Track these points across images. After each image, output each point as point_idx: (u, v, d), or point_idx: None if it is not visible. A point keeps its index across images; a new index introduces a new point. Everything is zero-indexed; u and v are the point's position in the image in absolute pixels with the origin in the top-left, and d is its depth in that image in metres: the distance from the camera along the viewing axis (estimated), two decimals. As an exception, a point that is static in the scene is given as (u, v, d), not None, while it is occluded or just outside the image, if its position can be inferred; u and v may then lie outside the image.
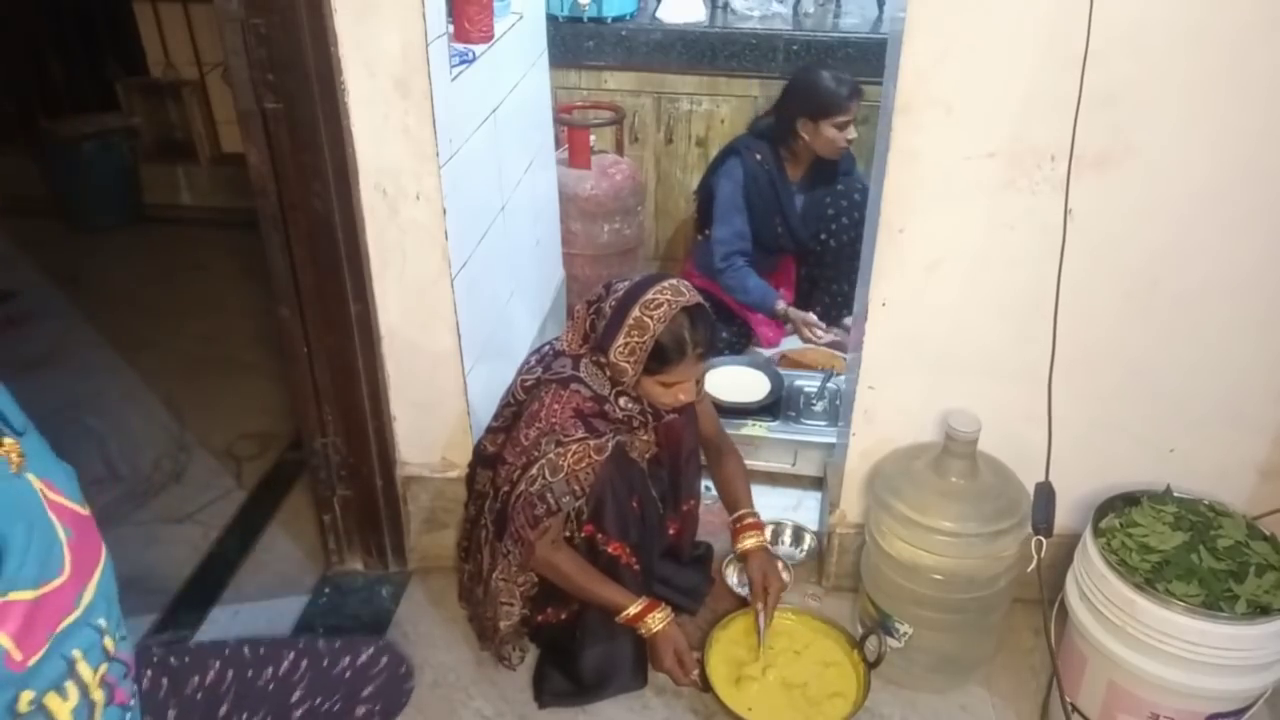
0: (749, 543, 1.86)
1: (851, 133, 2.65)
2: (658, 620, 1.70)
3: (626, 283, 1.65)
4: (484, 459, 1.82)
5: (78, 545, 0.91)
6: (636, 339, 1.59)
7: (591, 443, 1.62)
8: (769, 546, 1.93)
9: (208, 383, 2.81)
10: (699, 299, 1.64)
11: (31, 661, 0.84)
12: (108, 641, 0.95)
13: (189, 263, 3.48)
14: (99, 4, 3.84)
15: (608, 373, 1.65)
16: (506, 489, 1.67)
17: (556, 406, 1.63)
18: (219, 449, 2.53)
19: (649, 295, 1.60)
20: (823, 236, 2.82)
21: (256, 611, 2.02)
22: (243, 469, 2.46)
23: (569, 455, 1.61)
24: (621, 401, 1.67)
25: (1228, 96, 1.46)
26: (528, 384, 1.71)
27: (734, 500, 1.93)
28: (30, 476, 0.90)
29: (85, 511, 0.95)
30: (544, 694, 1.79)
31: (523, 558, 1.67)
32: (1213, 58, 1.43)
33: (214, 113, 3.93)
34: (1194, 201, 1.55)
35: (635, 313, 1.59)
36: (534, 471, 1.62)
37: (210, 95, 3.90)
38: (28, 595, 0.84)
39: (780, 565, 1.94)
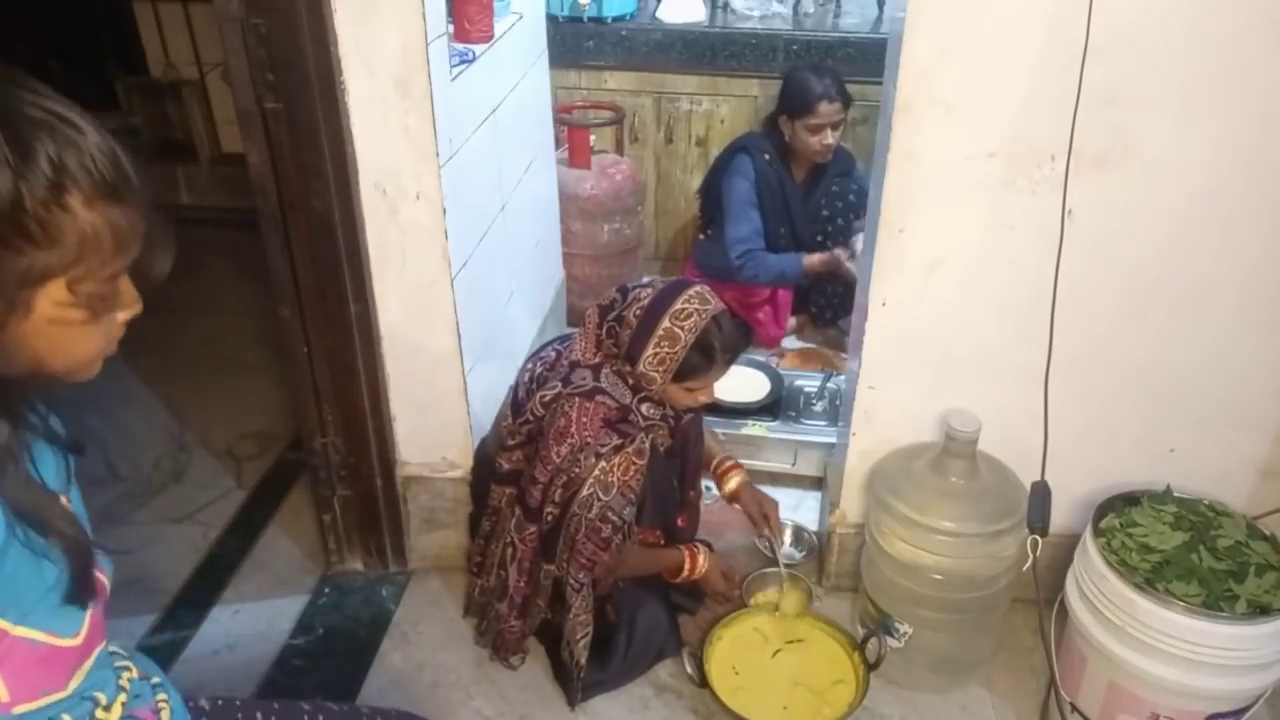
0: (734, 482, 1.95)
1: (828, 138, 2.63)
2: (703, 558, 1.85)
3: (649, 290, 1.64)
4: (500, 475, 1.80)
5: (97, 621, 0.89)
6: (667, 349, 1.59)
7: (630, 449, 1.63)
8: (751, 481, 1.97)
9: (208, 383, 2.81)
10: (723, 305, 1.65)
11: (17, 709, 0.81)
12: (102, 713, 0.93)
13: (189, 263, 3.46)
14: (99, 4, 3.84)
15: (630, 381, 1.66)
16: (553, 510, 1.66)
17: (585, 419, 1.63)
18: (219, 449, 2.53)
19: (677, 305, 1.60)
20: (819, 238, 2.82)
21: (256, 611, 2.02)
22: (243, 469, 2.46)
23: (616, 469, 1.62)
24: (644, 408, 1.68)
25: (1227, 96, 1.46)
26: (546, 399, 1.69)
27: (708, 451, 1.96)
28: None
29: (108, 587, 0.95)
30: (584, 688, 1.77)
31: (598, 577, 1.71)
32: (1212, 57, 1.43)
33: (214, 113, 3.93)
34: (1193, 201, 1.55)
35: (665, 323, 1.59)
36: (585, 493, 1.61)
37: (210, 95, 3.90)
38: (31, 634, 0.81)
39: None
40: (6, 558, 0.78)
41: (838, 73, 2.66)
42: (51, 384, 0.82)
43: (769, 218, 2.77)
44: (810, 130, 2.63)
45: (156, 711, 1.02)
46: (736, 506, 1.97)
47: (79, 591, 0.84)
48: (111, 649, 1.00)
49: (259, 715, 1.16)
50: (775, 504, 1.96)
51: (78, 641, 0.86)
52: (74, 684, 0.87)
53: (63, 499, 0.87)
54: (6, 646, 0.79)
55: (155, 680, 1.06)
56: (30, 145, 0.70)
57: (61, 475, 0.91)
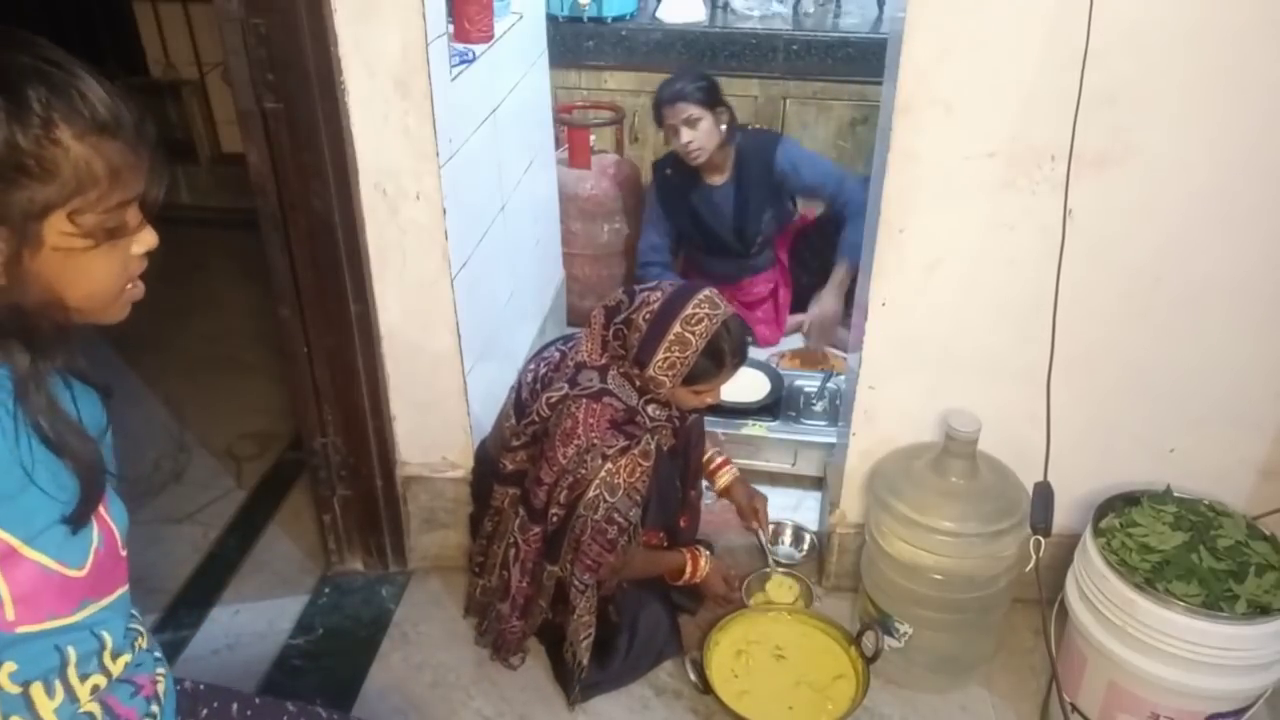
0: (726, 478, 2.00)
1: (683, 137, 2.58)
2: (705, 562, 1.86)
3: (658, 293, 1.64)
4: (503, 476, 1.80)
5: (103, 559, 0.91)
6: (678, 354, 1.60)
7: (636, 450, 1.63)
8: (743, 477, 2.04)
9: (208, 383, 2.81)
10: (732, 309, 1.66)
11: (20, 629, 0.84)
12: (109, 660, 0.95)
13: (189, 263, 3.48)
14: (99, 4, 3.84)
15: (637, 384, 1.66)
16: (558, 512, 1.66)
17: (592, 421, 1.63)
18: (219, 449, 2.53)
19: (688, 310, 1.60)
20: (759, 240, 2.81)
21: (256, 611, 2.02)
22: (243, 469, 2.46)
23: (622, 470, 1.62)
24: (650, 410, 1.69)
25: (1227, 96, 1.46)
26: (552, 400, 1.69)
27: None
28: None
29: (123, 551, 0.96)
30: (584, 688, 1.77)
31: (603, 579, 1.71)
32: (1212, 58, 1.43)
33: (214, 113, 3.93)
34: (1193, 201, 1.55)
35: (676, 328, 1.60)
36: (591, 495, 1.61)
37: (210, 95, 3.90)
38: (43, 560, 0.84)
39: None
40: (11, 474, 0.81)
41: (700, 73, 2.62)
42: (70, 317, 0.85)
43: (684, 229, 2.83)
44: (670, 133, 2.62)
45: (155, 682, 1.04)
46: (727, 501, 2.04)
47: (79, 513, 0.86)
48: (132, 611, 1.03)
49: (234, 707, 1.17)
50: (765, 499, 2.01)
51: (83, 573, 0.88)
52: (82, 614, 0.90)
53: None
54: (14, 565, 0.82)
55: (158, 654, 1.09)
56: (22, 89, 0.76)
57: (99, 420, 0.95)
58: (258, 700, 1.20)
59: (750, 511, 1.99)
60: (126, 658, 0.98)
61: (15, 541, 0.82)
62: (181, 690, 1.14)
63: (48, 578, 0.85)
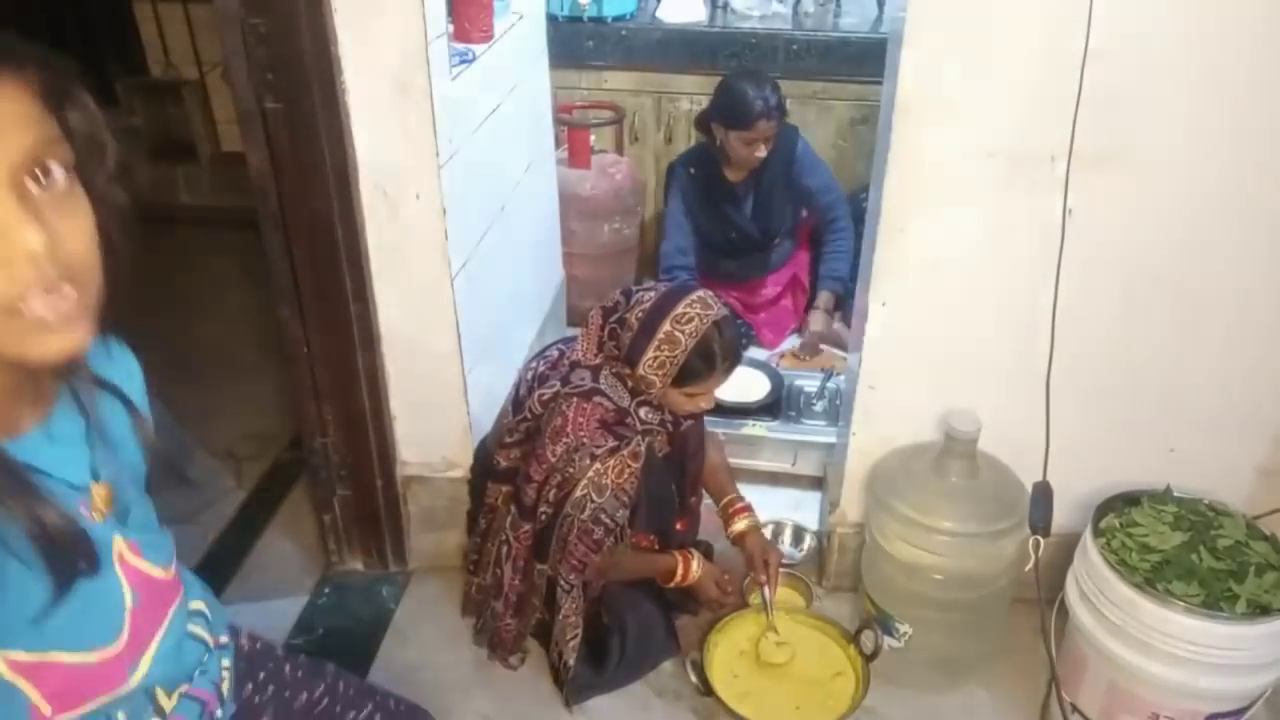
0: (741, 525, 1.90)
1: (761, 151, 2.59)
2: (696, 564, 1.83)
3: (652, 293, 1.64)
4: (496, 473, 1.80)
5: (143, 612, 0.83)
6: (667, 353, 1.59)
7: (625, 451, 1.63)
8: (760, 526, 1.94)
9: (208, 383, 2.80)
10: (725, 310, 1.65)
11: (62, 716, 0.76)
12: (163, 699, 0.88)
13: (188, 263, 3.48)
14: (99, 4, 3.83)
15: (629, 384, 1.65)
16: (547, 510, 1.66)
17: (581, 419, 1.62)
18: (219, 449, 2.52)
19: (679, 309, 1.59)
20: (774, 241, 2.81)
21: (256, 611, 2.02)
22: (243, 469, 2.46)
23: (610, 471, 1.61)
24: (642, 412, 1.68)
25: (1228, 96, 1.46)
26: (545, 397, 1.69)
27: (720, 488, 1.95)
28: (116, 535, 0.82)
29: (166, 575, 0.88)
30: (579, 690, 1.77)
31: (589, 579, 1.71)
32: (1213, 57, 1.43)
33: (214, 113, 3.93)
34: (1193, 201, 1.55)
35: (666, 327, 1.59)
36: (579, 494, 1.61)
37: (210, 95, 3.90)
38: (67, 659, 0.76)
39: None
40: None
41: (775, 82, 2.60)
42: None
43: (706, 228, 2.79)
44: (744, 143, 2.59)
45: (218, 683, 0.98)
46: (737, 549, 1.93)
47: (60, 579, 0.72)
48: (193, 606, 0.94)
49: (287, 669, 1.17)
50: (779, 555, 1.91)
51: (120, 645, 0.79)
52: (136, 677, 0.81)
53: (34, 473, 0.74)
54: (37, 671, 0.73)
55: (224, 638, 1.02)
56: None
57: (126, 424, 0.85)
58: (300, 657, 1.21)
59: (761, 565, 1.85)
60: (183, 688, 0.91)
61: (28, 658, 0.72)
62: (238, 650, 1.11)
63: (78, 671, 0.76)
